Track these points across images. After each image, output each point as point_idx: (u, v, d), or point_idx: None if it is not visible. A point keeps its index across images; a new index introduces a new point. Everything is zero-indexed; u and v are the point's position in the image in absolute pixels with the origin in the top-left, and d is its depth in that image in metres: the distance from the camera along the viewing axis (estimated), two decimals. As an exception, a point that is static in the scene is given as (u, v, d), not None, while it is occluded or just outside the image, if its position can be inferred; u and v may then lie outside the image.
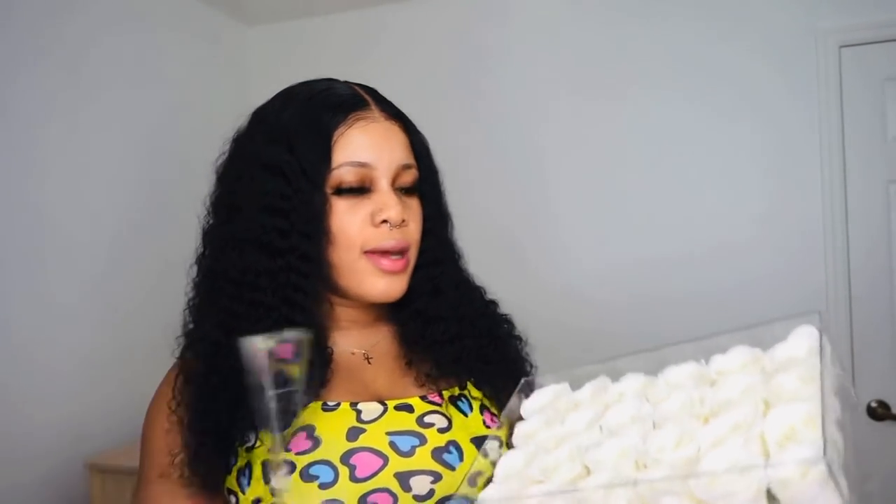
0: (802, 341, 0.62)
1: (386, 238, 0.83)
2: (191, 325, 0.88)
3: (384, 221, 0.83)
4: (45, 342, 2.20)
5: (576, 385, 0.72)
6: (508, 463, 0.64)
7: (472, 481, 0.64)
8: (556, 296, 2.54)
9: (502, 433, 0.70)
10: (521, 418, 0.71)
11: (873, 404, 2.32)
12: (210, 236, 0.89)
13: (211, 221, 0.89)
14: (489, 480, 0.64)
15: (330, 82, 0.90)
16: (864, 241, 2.36)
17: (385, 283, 0.85)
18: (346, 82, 0.91)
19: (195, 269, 0.89)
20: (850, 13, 2.36)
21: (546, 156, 2.68)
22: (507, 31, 2.76)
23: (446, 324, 0.90)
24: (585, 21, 2.65)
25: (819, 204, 2.39)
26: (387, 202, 0.83)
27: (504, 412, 0.73)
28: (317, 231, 0.82)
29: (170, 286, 2.60)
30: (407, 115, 0.92)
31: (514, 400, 0.73)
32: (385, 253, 0.84)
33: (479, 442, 0.82)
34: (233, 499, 0.80)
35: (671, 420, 0.59)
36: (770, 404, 0.57)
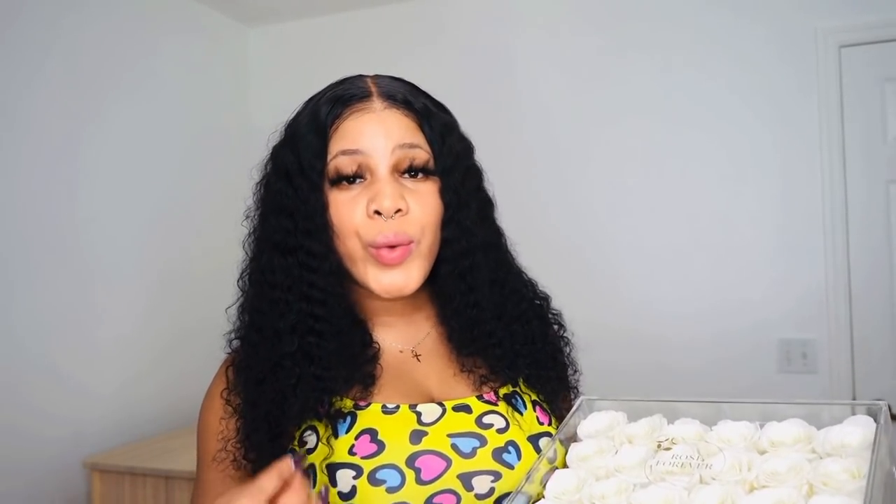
0: (857, 429, 0.62)
1: (381, 230, 0.80)
2: (237, 323, 0.90)
3: (377, 212, 0.80)
4: (45, 343, 2.20)
5: (632, 416, 0.73)
6: (561, 481, 0.66)
7: (530, 479, 0.68)
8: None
9: (559, 450, 0.72)
10: (576, 436, 0.74)
11: (873, 404, 2.32)
12: (247, 240, 0.91)
13: (248, 227, 0.91)
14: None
15: (347, 80, 0.88)
16: (864, 241, 2.36)
17: (388, 278, 0.81)
18: (366, 77, 0.88)
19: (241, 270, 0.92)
20: (850, 13, 2.36)
21: (543, 152, 2.69)
22: (511, 28, 2.76)
23: (491, 325, 0.87)
24: (584, 27, 2.66)
25: (819, 204, 2.38)
26: (379, 191, 0.80)
27: (561, 428, 0.74)
28: (318, 226, 0.81)
29: (167, 287, 2.61)
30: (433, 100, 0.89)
31: (572, 418, 0.75)
32: (385, 246, 0.81)
33: (534, 440, 0.83)
34: None
35: (717, 479, 0.61)
36: (814, 489, 0.57)
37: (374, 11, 2.92)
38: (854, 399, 2.33)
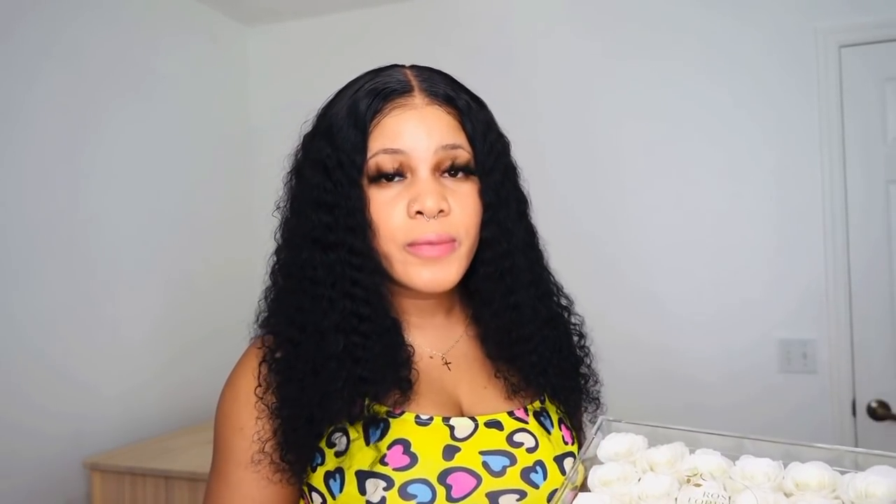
0: (881, 479, 0.63)
1: (423, 230, 0.79)
2: (265, 316, 0.87)
3: (419, 213, 0.78)
4: (49, 344, 2.20)
5: (651, 441, 0.73)
6: None
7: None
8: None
9: (580, 473, 0.72)
10: (595, 457, 0.74)
11: (873, 404, 2.32)
12: (279, 232, 0.88)
13: (281, 217, 0.88)
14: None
15: (385, 70, 0.85)
16: (864, 241, 2.36)
17: (430, 272, 0.80)
18: (404, 67, 0.86)
19: (272, 262, 0.88)
20: (850, 13, 2.36)
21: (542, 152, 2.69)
22: (513, 30, 2.76)
23: (529, 329, 0.86)
24: (586, 30, 2.66)
25: (819, 204, 2.39)
26: (421, 191, 0.78)
27: (583, 452, 0.74)
28: (359, 224, 0.80)
29: (172, 289, 2.61)
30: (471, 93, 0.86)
31: (593, 441, 0.75)
32: (425, 243, 0.79)
33: (559, 460, 0.84)
34: (317, 497, 0.81)
35: None
36: None
37: (374, 11, 2.92)
38: (854, 397, 2.34)
